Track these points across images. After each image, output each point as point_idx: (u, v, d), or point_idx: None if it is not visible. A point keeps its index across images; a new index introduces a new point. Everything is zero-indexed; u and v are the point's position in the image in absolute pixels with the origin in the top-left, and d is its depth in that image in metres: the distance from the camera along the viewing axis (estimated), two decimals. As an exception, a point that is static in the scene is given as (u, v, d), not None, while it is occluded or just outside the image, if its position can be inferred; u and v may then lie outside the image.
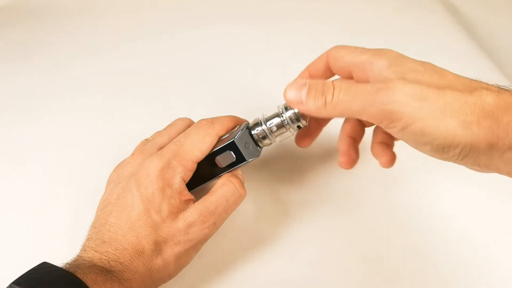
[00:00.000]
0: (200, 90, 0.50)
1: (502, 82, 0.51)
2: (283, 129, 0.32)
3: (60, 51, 0.58)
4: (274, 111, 0.32)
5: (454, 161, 0.26)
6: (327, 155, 0.43)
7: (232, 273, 0.35)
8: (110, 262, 0.28)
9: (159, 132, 0.36)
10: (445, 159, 0.26)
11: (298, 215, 0.38)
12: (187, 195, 0.31)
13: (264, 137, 0.32)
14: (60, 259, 0.28)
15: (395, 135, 0.26)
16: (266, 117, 0.32)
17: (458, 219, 0.38)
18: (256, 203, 0.39)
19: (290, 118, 0.31)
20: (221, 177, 0.33)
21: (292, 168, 0.42)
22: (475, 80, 0.26)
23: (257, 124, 0.33)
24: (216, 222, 0.31)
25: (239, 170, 0.34)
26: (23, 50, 0.58)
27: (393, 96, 0.24)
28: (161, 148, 0.33)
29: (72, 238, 0.32)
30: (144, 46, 0.58)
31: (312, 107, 0.27)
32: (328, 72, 0.32)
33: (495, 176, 0.27)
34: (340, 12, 0.64)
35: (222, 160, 0.32)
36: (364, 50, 0.29)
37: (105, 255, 0.28)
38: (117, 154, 0.44)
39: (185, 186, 0.31)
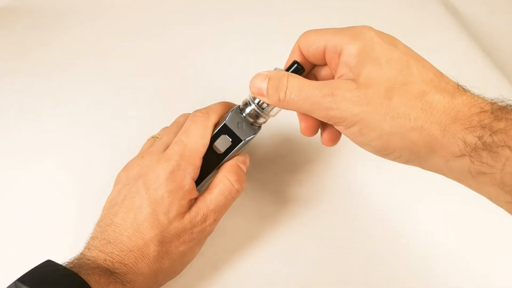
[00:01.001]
0: (200, 88, 0.50)
1: (502, 82, 0.51)
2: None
3: (60, 51, 0.58)
4: None
5: (400, 162, 0.26)
6: (327, 156, 0.43)
7: (231, 272, 0.35)
8: (114, 264, 0.28)
9: (165, 128, 0.36)
10: (390, 159, 0.26)
11: (298, 215, 0.38)
12: (195, 193, 0.31)
13: (257, 116, 0.32)
14: (64, 255, 0.28)
15: (342, 133, 0.28)
16: (256, 101, 0.32)
17: (458, 219, 0.38)
18: (256, 203, 0.39)
19: None
20: (219, 172, 0.32)
21: (292, 169, 0.42)
22: (438, 77, 0.26)
23: (247, 104, 0.32)
24: (216, 218, 0.32)
25: (242, 158, 0.33)
26: (23, 50, 0.58)
27: (335, 103, 0.25)
28: (167, 146, 0.32)
29: (75, 235, 0.32)
30: (145, 45, 0.58)
31: (272, 100, 0.29)
32: (306, 63, 0.31)
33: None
34: (340, 12, 0.64)
35: (220, 145, 0.32)
36: (336, 31, 0.28)
37: (109, 256, 0.28)
38: (119, 152, 0.44)
39: (194, 184, 0.31)
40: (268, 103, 0.29)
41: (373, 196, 0.40)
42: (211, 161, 0.33)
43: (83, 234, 0.31)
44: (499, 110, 0.22)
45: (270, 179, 0.41)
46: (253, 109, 0.32)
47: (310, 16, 0.63)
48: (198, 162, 0.31)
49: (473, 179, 0.23)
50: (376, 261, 0.35)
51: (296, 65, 0.30)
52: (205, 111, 0.32)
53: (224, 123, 0.32)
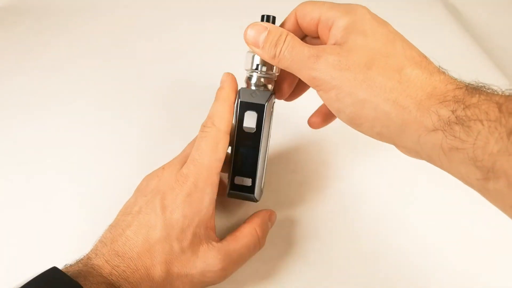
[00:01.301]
0: (202, 87, 0.50)
1: (502, 82, 0.51)
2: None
3: (60, 51, 0.58)
4: (251, 56, 0.31)
5: (373, 136, 0.26)
6: (327, 156, 0.43)
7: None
8: (119, 280, 0.27)
9: (190, 143, 0.35)
10: (363, 133, 0.27)
11: (298, 215, 0.38)
12: (213, 221, 0.31)
13: (264, 79, 0.32)
14: (65, 254, 0.28)
15: (322, 99, 0.28)
16: (248, 67, 0.32)
17: (459, 219, 0.38)
18: (256, 203, 0.39)
19: None
20: (248, 223, 0.32)
21: (292, 168, 0.42)
22: (420, 57, 0.26)
23: (250, 77, 0.32)
24: (234, 270, 0.31)
25: (273, 218, 0.34)
26: (23, 50, 0.58)
27: (317, 64, 0.26)
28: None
29: (77, 235, 0.32)
30: (145, 45, 0.58)
31: (267, 54, 0.29)
32: (299, 32, 0.31)
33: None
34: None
35: (249, 123, 0.31)
36: (332, 5, 0.29)
37: (115, 270, 0.27)
38: (120, 151, 0.44)
39: (213, 209, 0.30)
40: (261, 56, 0.29)
41: (373, 196, 0.40)
42: (253, 144, 0.31)
43: (84, 234, 0.31)
44: (473, 88, 0.23)
45: (270, 179, 0.41)
46: (258, 77, 0.31)
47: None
48: (215, 179, 0.30)
49: (444, 156, 0.22)
50: (376, 261, 0.35)
51: (265, 17, 0.31)
52: (211, 122, 0.30)
53: (240, 101, 0.31)
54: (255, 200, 0.33)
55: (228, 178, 0.33)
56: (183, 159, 0.31)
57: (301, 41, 0.28)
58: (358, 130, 0.27)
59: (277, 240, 0.37)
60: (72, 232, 0.37)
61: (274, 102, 0.33)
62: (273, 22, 0.31)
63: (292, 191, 0.40)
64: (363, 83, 0.25)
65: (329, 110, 0.30)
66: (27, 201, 0.40)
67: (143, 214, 0.29)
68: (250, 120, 0.31)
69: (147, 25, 0.62)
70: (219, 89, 0.32)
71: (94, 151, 0.44)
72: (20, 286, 0.23)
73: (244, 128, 0.32)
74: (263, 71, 0.31)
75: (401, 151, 0.27)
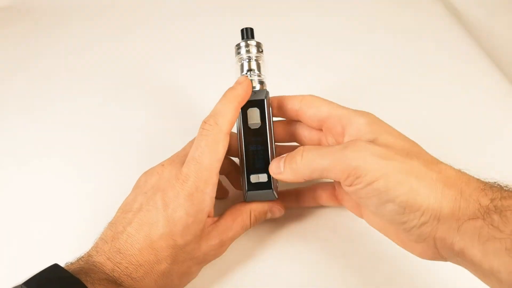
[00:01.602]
0: (203, 86, 0.50)
1: (502, 82, 0.51)
2: (260, 61, 0.34)
3: (60, 50, 0.58)
4: (240, 64, 0.35)
5: (410, 230, 0.26)
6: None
7: (232, 272, 0.35)
8: (122, 277, 0.27)
9: (190, 141, 0.35)
10: (403, 223, 0.26)
11: (298, 215, 0.38)
12: (212, 214, 0.31)
13: (259, 82, 0.34)
14: (69, 255, 0.28)
15: (358, 194, 0.27)
16: (247, 72, 0.34)
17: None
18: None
19: (257, 46, 0.34)
20: (246, 204, 0.34)
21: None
22: (436, 159, 0.28)
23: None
24: (230, 244, 0.33)
25: (276, 212, 0.35)
26: (23, 50, 0.58)
27: (359, 152, 0.26)
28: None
29: (78, 233, 0.32)
30: (146, 44, 0.58)
31: (288, 171, 0.30)
32: (286, 116, 0.34)
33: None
34: (340, 12, 0.64)
35: (253, 119, 0.33)
36: (342, 106, 0.31)
37: (117, 267, 0.27)
38: (120, 150, 0.44)
39: (213, 205, 0.31)
40: (285, 179, 0.30)
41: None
42: (261, 139, 0.33)
43: (84, 233, 0.31)
44: (501, 185, 0.25)
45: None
46: (258, 80, 0.34)
47: (310, 18, 0.63)
48: (215, 179, 0.30)
49: (481, 246, 0.23)
50: (377, 261, 0.35)
51: (244, 30, 0.34)
52: (214, 121, 0.30)
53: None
54: (274, 197, 0.33)
55: (243, 180, 0.33)
56: (183, 157, 0.32)
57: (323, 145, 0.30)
58: (399, 224, 0.26)
59: (278, 240, 0.37)
60: (72, 232, 0.37)
61: (268, 94, 0.34)
62: (252, 35, 0.35)
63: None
64: (410, 173, 0.25)
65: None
66: (27, 200, 0.40)
67: (144, 211, 0.29)
68: (252, 115, 0.33)
69: (147, 24, 0.62)
70: (231, 88, 0.32)
71: (94, 150, 0.44)
72: (21, 283, 0.23)
73: (250, 125, 0.33)
74: (257, 73, 0.34)
75: (422, 249, 0.27)
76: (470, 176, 0.26)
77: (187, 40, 0.59)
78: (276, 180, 0.34)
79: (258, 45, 0.35)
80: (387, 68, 0.54)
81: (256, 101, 0.33)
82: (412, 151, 0.27)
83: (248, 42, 0.34)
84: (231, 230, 0.32)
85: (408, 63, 0.54)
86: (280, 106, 0.34)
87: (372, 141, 0.27)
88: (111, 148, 0.45)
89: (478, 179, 0.25)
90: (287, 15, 0.63)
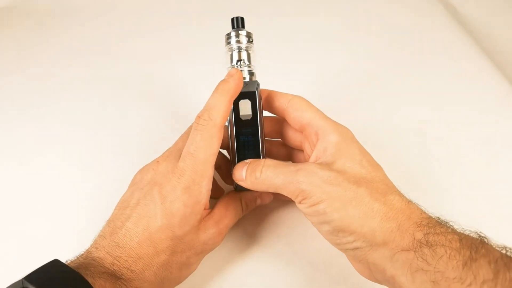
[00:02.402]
0: (203, 86, 0.50)
1: (502, 82, 0.51)
2: (250, 51, 0.34)
3: (61, 50, 0.58)
4: (230, 54, 0.34)
5: (346, 251, 0.28)
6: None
7: (232, 272, 0.35)
8: (121, 269, 0.27)
9: (183, 134, 0.36)
10: (338, 244, 0.28)
11: (298, 214, 0.38)
12: (208, 205, 0.32)
13: (249, 73, 0.34)
14: (69, 254, 0.28)
15: (304, 212, 0.29)
16: (237, 63, 0.34)
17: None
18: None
19: (247, 36, 0.34)
20: (238, 194, 0.35)
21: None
22: (397, 189, 0.29)
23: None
24: (227, 232, 0.34)
25: (267, 199, 0.36)
26: (23, 50, 0.58)
27: (308, 177, 0.28)
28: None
29: (79, 231, 0.32)
30: (146, 44, 0.58)
31: (249, 182, 0.31)
32: (274, 112, 0.35)
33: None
34: (340, 12, 0.64)
35: (244, 111, 0.33)
36: (325, 117, 0.32)
37: (117, 260, 0.28)
38: (120, 149, 0.44)
39: (209, 196, 0.31)
40: (247, 187, 0.32)
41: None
42: (252, 130, 0.33)
43: (83, 232, 0.31)
44: (441, 221, 0.27)
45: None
46: (249, 71, 0.34)
47: (311, 19, 0.63)
48: (210, 172, 0.31)
49: (410, 275, 0.25)
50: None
51: (235, 20, 0.34)
52: (208, 115, 0.30)
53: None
54: None
55: (233, 170, 0.34)
56: (177, 152, 0.32)
57: (284, 162, 0.31)
58: (335, 242, 0.29)
59: (278, 239, 0.37)
60: (71, 231, 0.37)
61: (259, 85, 0.34)
62: (242, 24, 0.34)
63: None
64: (352, 201, 0.27)
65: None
66: (26, 199, 0.40)
67: (141, 205, 0.30)
68: (244, 107, 0.33)
69: (147, 24, 0.62)
70: (223, 81, 0.32)
71: (94, 150, 0.44)
72: (22, 278, 0.24)
73: (241, 117, 0.33)
74: (247, 64, 0.34)
75: (359, 268, 0.30)
76: (414, 209, 0.28)
77: (187, 40, 0.59)
78: None
79: (249, 35, 0.34)
80: (387, 68, 0.54)
81: (248, 93, 0.33)
82: (364, 179, 0.29)
83: (239, 31, 0.34)
84: (226, 217, 0.33)
85: (407, 63, 0.54)
86: (268, 101, 0.35)
87: (329, 164, 0.29)
88: (110, 147, 0.45)
89: (421, 213, 0.27)
90: (287, 15, 0.63)
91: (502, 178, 0.41)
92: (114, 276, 0.27)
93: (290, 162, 0.31)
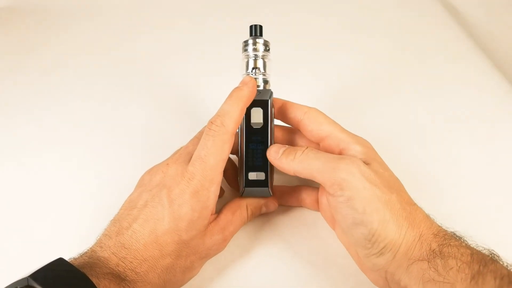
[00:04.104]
0: (203, 86, 0.50)
1: (502, 82, 0.51)
2: (266, 59, 0.34)
3: (60, 50, 0.58)
4: (246, 61, 0.35)
5: (369, 256, 0.28)
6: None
7: (232, 272, 0.35)
8: (126, 271, 0.27)
9: (194, 137, 0.36)
10: (366, 248, 0.28)
11: (298, 214, 0.38)
12: (214, 211, 0.32)
13: (263, 81, 0.34)
14: (71, 253, 0.28)
15: (336, 208, 0.29)
16: (248, 70, 0.34)
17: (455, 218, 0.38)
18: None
19: (264, 45, 0.34)
20: (244, 200, 0.34)
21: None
22: (411, 200, 0.30)
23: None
24: (230, 239, 0.34)
25: (271, 206, 0.36)
26: (23, 50, 0.58)
27: (351, 167, 0.28)
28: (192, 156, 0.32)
29: (84, 231, 0.32)
30: (146, 44, 0.58)
31: (284, 161, 0.31)
32: (295, 121, 0.34)
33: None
34: (340, 12, 0.64)
35: (256, 119, 0.33)
36: (344, 129, 0.33)
37: (122, 262, 0.28)
38: (120, 149, 0.44)
39: (216, 201, 0.31)
40: (278, 165, 0.32)
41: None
42: (262, 138, 0.33)
43: (85, 232, 0.31)
44: (457, 235, 0.28)
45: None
46: (263, 79, 0.34)
47: (310, 18, 0.63)
48: (219, 178, 0.31)
49: (422, 285, 0.25)
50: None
51: (253, 27, 0.34)
52: (220, 122, 0.30)
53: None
54: (269, 194, 0.35)
55: (240, 177, 0.34)
56: (187, 156, 0.32)
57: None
58: (361, 249, 0.28)
59: (278, 239, 0.37)
60: (74, 231, 0.37)
61: (272, 94, 0.34)
62: (261, 32, 0.35)
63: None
64: (387, 205, 0.27)
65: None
66: (29, 198, 0.40)
67: (149, 207, 0.30)
68: (256, 115, 0.33)
69: (147, 24, 0.62)
70: (237, 89, 0.32)
71: (96, 150, 0.44)
72: (27, 275, 0.24)
73: (252, 124, 0.33)
74: (262, 72, 0.34)
75: (374, 278, 0.30)
76: (433, 221, 0.28)
77: (188, 39, 0.59)
78: (272, 178, 0.35)
79: (266, 44, 0.35)
80: (387, 68, 0.54)
81: (261, 101, 0.33)
82: (394, 186, 0.29)
83: (256, 39, 0.34)
84: (232, 224, 0.33)
85: (407, 63, 0.55)
86: (283, 111, 0.35)
87: (366, 162, 0.30)
88: (112, 147, 0.45)
89: (439, 226, 0.28)
90: (287, 16, 0.63)
91: (502, 178, 0.41)
92: (118, 277, 0.27)
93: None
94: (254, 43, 0.34)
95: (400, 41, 0.58)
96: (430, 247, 0.26)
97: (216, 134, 0.30)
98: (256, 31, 0.34)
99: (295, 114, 0.34)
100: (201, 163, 0.30)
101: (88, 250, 0.29)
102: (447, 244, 0.26)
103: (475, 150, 0.44)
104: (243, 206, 0.34)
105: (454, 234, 0.28)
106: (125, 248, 0.28)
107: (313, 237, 0.37)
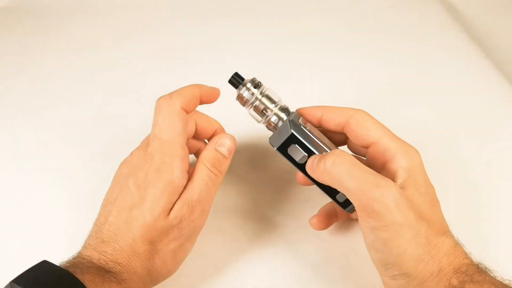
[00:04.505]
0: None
1: (502, 82, 0.51)
2: (265, 93, 0.32)
3: (60, 51, 0.58)
4: (250, 113, 0.33)
5: (382, 276, 0.28)
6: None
7: (232, 272, 0.35)
8: (109, 263, 0.28)
9: None
10: (381, 271, 0.28)
11: (298, 214, 0.38)
12: (183, 186, 0.30)
13: (278, 115, 0.33)
14: (61, 256, 0.28)
15: (361, 224, 0.28)
16: (262, 117, 0.33)
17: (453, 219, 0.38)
18: (256, 203, 0.39)
19: (253, 84, 0.32)
20: (200, 164, 0.31)
21: (291, 168, 0.42)
22: (447, 226, 0.29)
23: (269, 123, 0.33)
24: (204, 208, 0.31)
25: (221, 141, 0.32)
26: (23, 50, 0.58)
27: (384, 199, 0.26)
28: None
29: (73, 236, 0.32)
30: (145, 45, 0.58)
31: (318, 172, 0.29)
32: (340, 127, 0.32)
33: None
34: (340, 12, 0.64)
35: (298, 156, 0.31)
36: (392, 136, 0.30)
37: (103, 255, 0.28)
38: (119, 152, 0.44)
39: (185, 178, 0.30)
40: (313, 174, 0.30)
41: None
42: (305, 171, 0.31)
43: (81, 234, 0.31)
44: (482, 268, 0.27)
45: (269, 178, 0.41)
46: (274, 115, 0.32)
47: (310, 18, 0.63)
48: (181, 152, 0.30)
49: None
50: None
51: (232, 79, 0.32)
52: (168, 95, 0.31)
53: (276, 148, 0.32)
54: (353, 210, 0.33)
55: (335, 204, 0.33)
56: (147, 140, 0.32)
57: (360, 162, 0.28)
58: (379, 271, 0.28)
59: (278, 239, 0.37)
60: (64, 236, 0.37)
61: (300, 122, 0.32)
62: (241, 78, 0.32)
63: (292, 190, 0.40)
64: (415, 238, 0.26)
65: (333, 214, 0.34)
66: (20, 201, 0.40)
67: (120, 199, 0.30)
68: (296, 153, 0.31)
69: (147, 24, 0.62)
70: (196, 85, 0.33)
71: (94, 151, 0.44)
72: (10, 281, 0.24)
73: (299, 161, 0.32)
74: (272, 108, 0.32)
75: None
76: (459, 253, 0.27)
77: (187, 42, 0.59)
78: None
79: (253, 82, 0.32)
80: (387, 68, 0.54)
81: (288, 139, 0.31)
82: (425, 216, 0.27)
83: (243, 88, 0.32)
84: (194, 191, 0.30)
85: (407, 63, 0.54)
86: (325, 120, 0.33)
87: (402, 188, 0.28)
88: (112, 147, 0.44)
89: (463, 258, 0.27)
90: (287, 18, 0.63)
91: (502, 178, 0.41)
92: (102, 269, 0.27)
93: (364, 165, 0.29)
94: (244, 90, 0.32)
95: (400, 41, 0.58)
96: (450, 283, 0.25)
97: (163, 107, 0.30)
98: (236, 81, 0.32)
99: (340, 120, 0.32)
100: (157, 140, 0.30)
101: (75, 254, 0.29)
102: (469, 280, 0.25)
103: (475, 149, 0.44)
104: (199, 166, 0.31)
105: (479, 266, 0.27)
106: (104, 242, 0.28)
107: (313, 238, 0.37)
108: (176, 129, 0.30)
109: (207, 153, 0.32)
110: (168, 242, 0.30)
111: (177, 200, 0.30)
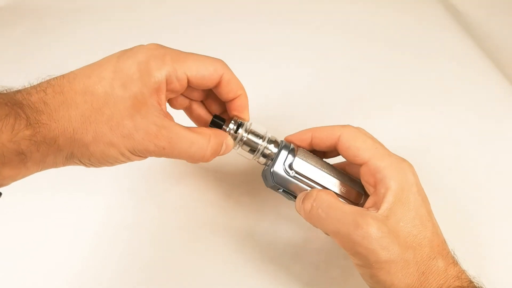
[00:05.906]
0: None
1: (502, 82, 0.51)
2: (251, 130, 0.31)
3: (60, 51, 0.58)
4: (240, 152, 0.32)
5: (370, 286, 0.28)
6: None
7: (231, 272, 0.35)
8: (32, 97, 0.24)
9: None
10: (367, 282, 0.28)
11: (298, 216, 0.38)
12: (164, 103, 0.28)
13: (272, 141, 0.32)
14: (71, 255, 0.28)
15: (351, 258, 0.28)
16: (254, 156, 0.32)
17: (453, 219, 0.38)
18: (256, 203, 0.39)
19: (235, 124, 0.31)
20: (211, 130, 0.29)
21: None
22: (443, 244, 0.28)
23: (266, 163, 0.32)
24: (166, 148, 0.27)
25: (228, 143, 0.31)
26: (23, 50, 0.58)
27: (367, 241, 0.26)
28: None
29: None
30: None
31: (302, 213, 0.29)
32: (332, 147, 0.31)
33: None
34: (340, 12, 0.64)
35: (298, 192, 0.31)
36: (384, 154, 0.29)
37: (35, 90, 0.25)
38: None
39: (164, 87, 0.28)
40: (303, 217, 0.29)
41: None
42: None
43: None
44: (474, 285, 0.26)
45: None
46: (262, 153, 0.31)
47: (311, 19, 0.63)
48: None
49: None
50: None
51: (214, 120, 0.30)
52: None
53: (270, 187, 0.31)
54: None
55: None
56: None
57: (340, 201, 0.28)
58: (367, 282, 0.28)
59: (278, 240, 0.37)
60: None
61: (293, 160, 0.30)
62: (222, 120, 0.31)
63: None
64: (402, 270, 0.26)
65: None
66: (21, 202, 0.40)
67: (99, 62, 0.30)
68: (286, 194, 0.31)
69: (147, 25, 0.62)
70: None
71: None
72: None
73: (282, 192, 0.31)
74: (261, 143, 0.31)
75: None
76: (451, 275, 0.27)
77: (187, 42, 0.59)
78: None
79: (235, 122, 0.31)
80: (387, 68, 0.54)
81: (273, 186, 0.31)
82: (412, 243, 0.27)
83: (226, 130, 0.31)
84: (176, 134, 0.27)
85: (407, 63, 0.55)
86: (316, 143, 0.32)
87: (386, 218, 0.27)
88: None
89: (454, 280, 0.26)
90: (287, 15, 0.63)
91: (502, 178, 0.41)
92: (15, 101, 0.23)
93: (345, 203, 0.28)
94: (231, 135, 0.31)
95: (400, 41, 0.58)
96: None
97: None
98: (218, 123, 0.31)
99: (330, 142, 0.31)
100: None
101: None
102: None
103: (475, 149, 0.44)
104: (207, 139, 0.28)
105: (471, 285, 0.27)
106: (51, 85, 0.25)
107: (313, 238, 0.37)
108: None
109: (218, 140, 0.29)
110: (115, 126, 0.26)
111: (159, 111, 0.27)
